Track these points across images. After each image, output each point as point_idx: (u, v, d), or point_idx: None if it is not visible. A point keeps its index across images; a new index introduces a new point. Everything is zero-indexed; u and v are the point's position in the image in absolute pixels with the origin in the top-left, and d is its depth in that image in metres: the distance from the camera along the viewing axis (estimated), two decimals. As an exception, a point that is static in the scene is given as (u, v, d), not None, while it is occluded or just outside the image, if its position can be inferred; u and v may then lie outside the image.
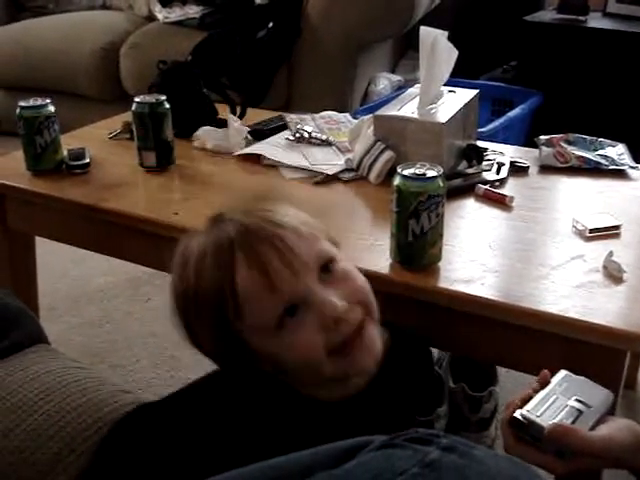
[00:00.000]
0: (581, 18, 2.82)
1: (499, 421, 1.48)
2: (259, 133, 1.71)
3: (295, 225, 0.92)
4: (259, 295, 0.89)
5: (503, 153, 1.57)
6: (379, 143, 1.46)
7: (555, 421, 0.83)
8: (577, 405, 0.86)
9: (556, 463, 0.83)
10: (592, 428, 0.84)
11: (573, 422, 0.84)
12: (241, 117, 1.78)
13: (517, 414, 0.85)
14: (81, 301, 2.16)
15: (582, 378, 0.91)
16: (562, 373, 0.92)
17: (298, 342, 0.89)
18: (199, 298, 0.93)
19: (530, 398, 0.87)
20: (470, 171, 1.49)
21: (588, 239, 1.24)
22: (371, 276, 1.15)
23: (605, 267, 1.14)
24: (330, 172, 1.51)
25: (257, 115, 1.84)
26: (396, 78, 3.11)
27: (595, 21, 2.82)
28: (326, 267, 0.92)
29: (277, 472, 0.71)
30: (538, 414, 0.84)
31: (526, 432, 0.84)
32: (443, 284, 1.13)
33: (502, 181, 1.46)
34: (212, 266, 0.91)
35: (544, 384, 0.90)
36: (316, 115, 1.81)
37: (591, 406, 0.87)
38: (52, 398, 1.02)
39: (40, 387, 1.03)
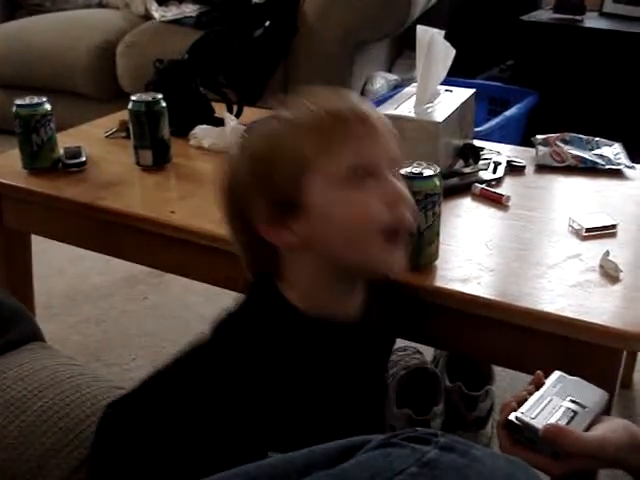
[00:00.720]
0: (578, 18, 2.83)
1: (495, 420, 1.48)
2: (256, 132, 1.71)
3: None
4: (357, 139, 0.91)
5: (500, 152, 1.57)
6: (376, 142, 1.46)
7: (550, 422, 0.83)
8: (572, 406, 0.86)
9: (552, 464, 0.83)
10: (587, 428, 0.84)
11: (568, 423, 0.84)
12: (238, 116, 1.78)
13: (512, 416, 0.85)
14: (77, 299, 2.16)
15: (576, 378, 0.91)
16: (556, 374, 0.92)
17: (362, 203, 0.90)
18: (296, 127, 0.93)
19: (525, 400, 0.87)
20: (467, 170, 1.49)
21: (584, 238, 1.24)
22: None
23: (601, 266, 1.14)
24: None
25: (254, 114, 1.84)
26: (392, 77, 3.10)
27: (591, 21, 2.83)
28: (394, 170, 0.97)
29: (275, 471, 0.71)
30: (533, 416, 0.84)
31: (521, 434, 0.84)
32: (439, 283, 1.13)
33: (498, 180, 1.46)
34: (331, 108, 0.93)
35: (539, 385, 0.90)
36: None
37: (586, 406, 0.87)
38: (46, 394, 1.02)
39: (34, 383, 1.03)
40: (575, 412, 0.86)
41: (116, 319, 2.06)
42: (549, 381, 0.90)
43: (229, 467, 0.75)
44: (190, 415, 0.93)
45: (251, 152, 0.95)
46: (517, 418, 0.84)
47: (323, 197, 0.90)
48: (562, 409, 0.86)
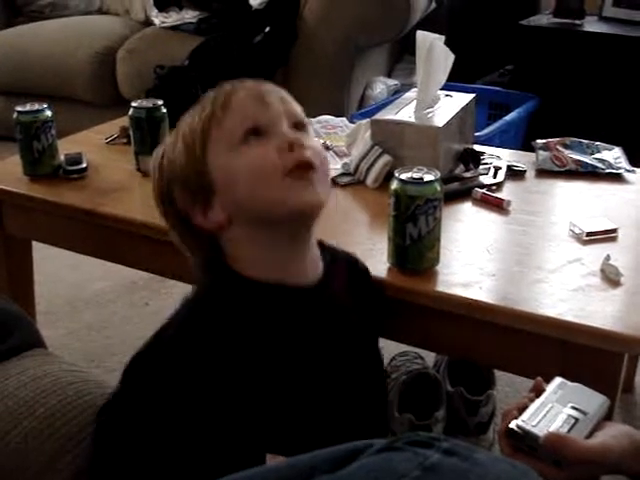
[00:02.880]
0: (577, 22, 2.83)
1: (497, 425, 1.48)
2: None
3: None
4: (242, 108, 0.97)
5: (500, 157, 1.58)
6: (376, 147, 1.46)
7: (551, 430, 0.83)
8: (573, 413, 0.86)
9: (554, 472, 0.83)
10: (589, 435, 0.84)
11: (569, 430, 0.84)
12: (238, 121, 1.78)
13: (513, 424, 0.85)
14: (78, 306, 2.16)
15: (577, 385, 0.91)
16: (557, 380, 0.92)
17: (257, 155, 0.94)
18: (187, 124, 1.00)
19: (526, 407, 0.87)
20: (467, 175, 1.49)
21: (585, 242, 1.24)
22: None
23: (602, 270, 1.14)
24: (327, 176, 1.50)
25: (254, 119, 1.84)
26: (392, 82, 3.11)
27: (591, 25, 2.83)
28: (298, 125, 0.99)
29: (278, 475, 0.71)
30: (534, 424, 0.84)
31: (523, 442, 0.84)
32: (441, 288, 1.13)
33: (499, 185, 1.46)
34: (213, 94, 1.01)
35: (539, 392, 0.90)
36: (313, 119, 1.81)
37: (587, 413, 0.87)
38: (48, 400, 1.02)
39: (36, 390, 1.03)
40: (576, 419, 0.85)
41: (117, 325, 2.06)
42: (550, 388, 0.90)
43: (228, 471, 0.75)
44: (177, 417, 0.92)
45: (161, 153, 1.03)
46: (518, 426, 0.84)
47: (225, 165, 0.96)
48: (563, 416, 0.86)
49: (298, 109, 1.01)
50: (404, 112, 1.50)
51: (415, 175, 1.09)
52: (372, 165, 1.46)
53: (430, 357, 1.72)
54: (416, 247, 1.12)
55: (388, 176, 1.35)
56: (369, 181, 1.46)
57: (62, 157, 1.58)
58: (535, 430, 0.83)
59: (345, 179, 1.50)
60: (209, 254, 1.01)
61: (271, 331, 0.94)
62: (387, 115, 1.50)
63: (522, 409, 0.87)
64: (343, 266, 1.09)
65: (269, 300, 0.96)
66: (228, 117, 0.96)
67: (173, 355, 0.94)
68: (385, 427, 1.15)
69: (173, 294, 2.13)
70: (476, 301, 1.09)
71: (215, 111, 0.97)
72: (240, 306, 0.95)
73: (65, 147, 1.62)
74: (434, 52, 1.45)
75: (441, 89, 1.54)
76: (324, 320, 1.00)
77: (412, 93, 1.58)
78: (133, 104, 1.55)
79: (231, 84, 1.00)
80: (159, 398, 0.93)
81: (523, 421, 0.84)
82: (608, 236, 1.25)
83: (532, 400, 0.88)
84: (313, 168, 0.95)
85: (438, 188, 1.10)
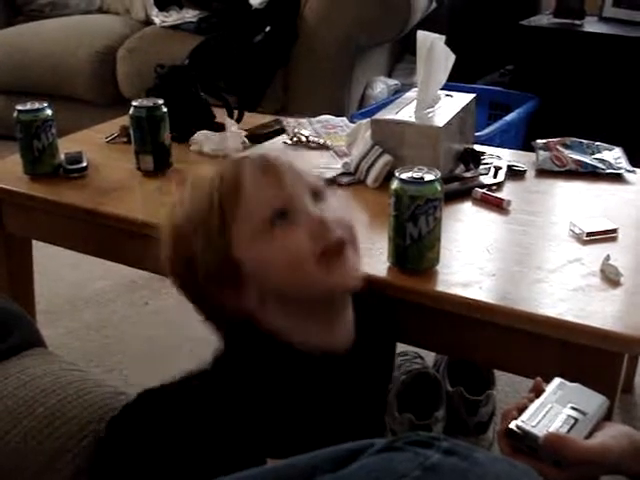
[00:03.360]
0: (577, 22, 2.83)
1: (497, 424, 1.48)
2: (256, 137, 1.71)
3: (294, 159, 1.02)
4: (259, 190, 0.95)
5: (500, 157, 1.58)
6: (376, 147, 1.46)
7: (550, 431, 0.83)
8: (572, 413, 0.86)
9: (554, 472, 0.83)
10: (588, 436, 0.84)
11: (569, 431, 0.84)
12: (238, 121, 1.78)
13: (512, 425, 0.85)
14: (78, 305, 2.16)
15: (577, 385, 0.91)
16: (557, 381, 0.92)
17: (288, 242, 0.93)
18: (198, 212, 0.97)
19: (526, 407, 0.87)
20: (467, 175, 1.49)
21: (585, 243, 1.24)
22: (369, 280, 1.15)
23: (602, 270, 1.14)
24: (328, 176, 1.50)
25: (254, 119, 1.84)
26: (393, 82, 3.11)
27: (591, 25, 2.83)
28: (317, 194, 0.98)
29: (278, 475, 0.71)
30: (533, 424, 0.84)
31: (522, 442, 0.84)
32: (441, 287, 1.13)
33: (499, 185, 1.46)
34: (219, 176, 0.97)
35: (539, 392, 0.90)
36: (313, 119, 1.81)
37: (586, 413, 0.87)
38: (47, 400, 1.02)
39: (36, 389, 1.03)
40: (576, 419, 0.85)
41: (117, 325, 2.06)
42: (549, 388, 0.90)
43: (227, 473, 0.75)
44: (189, 440, 0.93)
45: (173, 247, 1.02)
46: (518, 427, 0.84)
47: (254, 255, 0.95)
48: (563, 416, 0.86)
49: (313, 177, 1.00)
50: (404, 112, 1.50)
51: (415, 175, 1.09)
52: (372, 165, 1.46)
53: (430, 357, 1.72)
54: (416, 247, 1.12)
55: (388, 176, 1.34)
56: (369, 181, 1.46)
57: (62, 156, 1.58)
58: (535, 430, 0.83)
59: (345, 179, 1.50)
60: (240, 322, 1.00)
61: (297, 394, 0.94)
62: (387, 115, 1.50)
63: (522, 409, 0.87)
64: (372, 322, 1.08)
65: (299, 365, 0.96)
66: (244, 205, 0.94)
67: (193, 403, 0.95)
68: (381, 432, 1.16)
69: (173, 294, 2.09)
70: (476, 301, 1.09)
71: (227, 201, 0.95)
72: (271, 369, 0.95)
73: (65, 146, 1.62)
74: (434, 52, 1.45)
75: (441, 89, 1.54)
76: (350, 384, 1.01)
77: (412, 93, 1.58)
78: (133, 103, 1.55)
79: (235, 162, 0.98)
80: (169, 437, 0.94)
81: (523, 421, 0.84)
82: (608, 236, 1.25)
83: (532, 400, 0.88)
84: (346, 247, 0.96)
85: (438, 188, 1.10)
